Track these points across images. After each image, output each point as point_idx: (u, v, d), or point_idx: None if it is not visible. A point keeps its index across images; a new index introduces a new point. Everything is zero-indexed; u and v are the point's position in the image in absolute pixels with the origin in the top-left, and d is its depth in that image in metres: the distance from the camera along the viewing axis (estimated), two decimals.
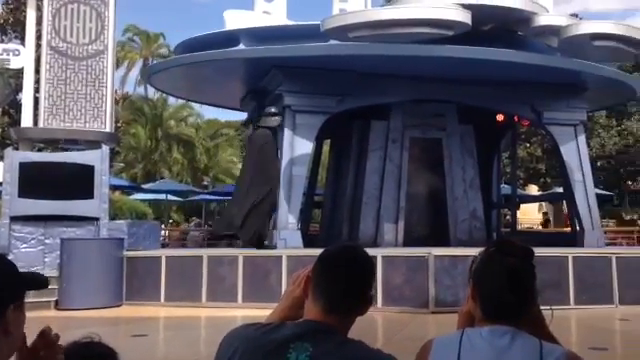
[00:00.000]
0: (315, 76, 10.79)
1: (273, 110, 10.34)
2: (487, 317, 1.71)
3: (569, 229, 14.36)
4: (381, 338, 6.96)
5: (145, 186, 24.85)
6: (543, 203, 25.68)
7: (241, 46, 11.53)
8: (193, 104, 29.94)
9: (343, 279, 1.53)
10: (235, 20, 12.17)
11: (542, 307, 1.81)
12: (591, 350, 5.89)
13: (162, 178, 29.88)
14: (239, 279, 9.14)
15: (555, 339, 1.80)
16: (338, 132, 13.38)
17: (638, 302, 8.87)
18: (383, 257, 8.78)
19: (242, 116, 15.37)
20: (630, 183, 25.47)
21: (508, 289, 1.62)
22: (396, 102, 11.88)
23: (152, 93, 31.82)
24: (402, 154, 12.20)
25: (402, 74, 11.03)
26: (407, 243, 11.53)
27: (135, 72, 34.82)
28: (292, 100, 10.91)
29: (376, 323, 7.70)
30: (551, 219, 24.92)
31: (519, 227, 20.89)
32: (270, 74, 11.20)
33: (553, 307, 1.81)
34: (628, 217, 23.97)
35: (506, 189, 16.70)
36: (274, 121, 10.20)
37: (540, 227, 23.24)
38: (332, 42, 10.60)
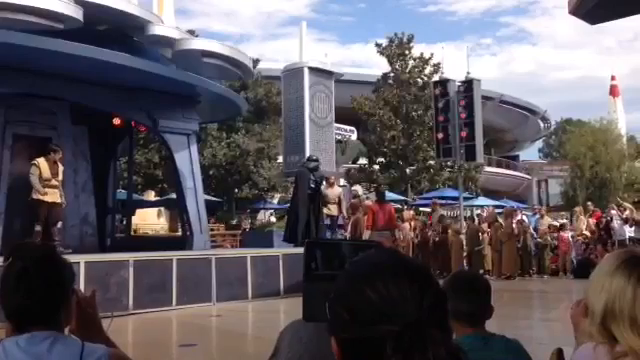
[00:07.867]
0: None
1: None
2: (13, 325, 1.67)
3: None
4: None
5: None
6: (162, 208, 26.50)
7: None
8: None
9: None
10: None
11: (102, 314, 1.83)
12: (182, 347, 6.22)
13: None
14: None
15: (111, 342, 1.84)
16: None
17: (231, 299, 9.86)
18: None
19: None
20: (237, 190, 28.45)
21: (19, 294, 1.59)
22: None
23: None
24: (3, 153, 10.88)
25: (3, 64, 9.74)
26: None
27: None
28: None
29: None
30: (167, 224, 25.92)
31: (138, 232, 21.09)
32: None
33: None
34: (235, 221, 26.66)
35: (123, 194, 16.55)
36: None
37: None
38: None
